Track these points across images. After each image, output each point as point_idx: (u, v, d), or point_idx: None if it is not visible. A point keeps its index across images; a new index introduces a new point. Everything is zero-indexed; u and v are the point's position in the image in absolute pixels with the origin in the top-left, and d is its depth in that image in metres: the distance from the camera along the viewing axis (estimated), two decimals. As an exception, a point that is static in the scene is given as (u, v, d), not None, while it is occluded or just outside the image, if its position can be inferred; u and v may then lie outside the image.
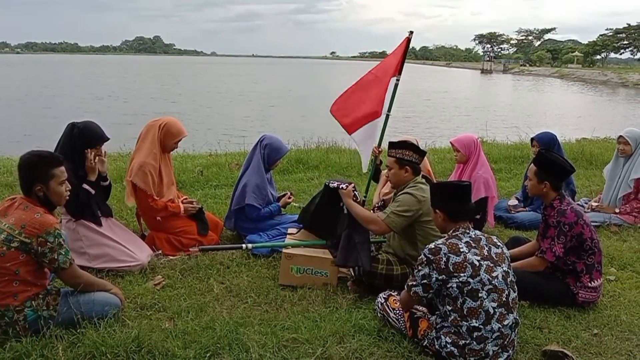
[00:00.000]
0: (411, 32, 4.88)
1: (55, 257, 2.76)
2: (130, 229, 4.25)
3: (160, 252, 4.10)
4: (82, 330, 2.81)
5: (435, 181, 4.00)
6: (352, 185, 3.70)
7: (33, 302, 2.79)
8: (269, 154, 4.46)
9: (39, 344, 2.69)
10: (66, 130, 3.73)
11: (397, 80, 4.82)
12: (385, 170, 3.84)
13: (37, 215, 2.73)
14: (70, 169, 3.58)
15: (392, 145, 3.60)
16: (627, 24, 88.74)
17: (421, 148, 3.60)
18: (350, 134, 4.66)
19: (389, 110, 4.93)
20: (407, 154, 3.50)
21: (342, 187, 3.61)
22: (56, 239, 2.75)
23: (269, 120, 20.83)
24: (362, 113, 4.61)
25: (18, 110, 22.75)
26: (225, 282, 3.69)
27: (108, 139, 3.83)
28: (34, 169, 2.82)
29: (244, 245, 4.01)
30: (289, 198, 4.71)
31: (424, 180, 3.54)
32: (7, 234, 2.67)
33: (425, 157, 4.57)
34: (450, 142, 4.93)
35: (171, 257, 4.04)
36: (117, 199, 5.05)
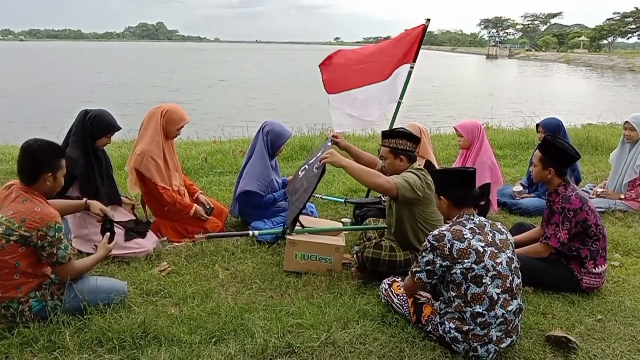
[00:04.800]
0: (428, 20, 4.83)
1: (54, 252, 2.72)
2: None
3: (165, 238, 4.12)
4: (89, 316, 2.84)
5: (438, 167, 3.98)
6: (328, 151, 3.56)
7: (37, 292, 2.78)
8: (272, 140, 4.44)
9: (46, 329, 2.72)
10: (78, 116, 3.73)
11: (412, 67, 4.80)
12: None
13: (37, 209, 2.67)
14: (80, 156, 3.61)
15: (385, 135, 3.56)
16: (635, 7, 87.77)
17: (414, 134, 3.53)
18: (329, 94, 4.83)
19: (401, 97, 4.92)
20: (401, 143, 3.46)
21: (318, 162, 3.43)
22: (56, 233, 2.69)
23: (272, 106, 20.77)
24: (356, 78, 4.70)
25: (15, 98, 22.71)
26: (230, 269, 3.71)
27: (120, 128, 3.84)
28: (46, 158, 2.76)
29: (250, 232, 4.01)
30: None
31: (421, 167, 3.51)
32: (5, 227, 2.62)
33: (429, 144, 4.56)
34: (454, 128, 4.92)
35: (176, 244, 4.06)
36: (122, 186, 5.07)
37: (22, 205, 2.68)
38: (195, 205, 4.27)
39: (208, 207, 4.37)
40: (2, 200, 2.75)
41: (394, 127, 4.90)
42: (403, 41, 4.84)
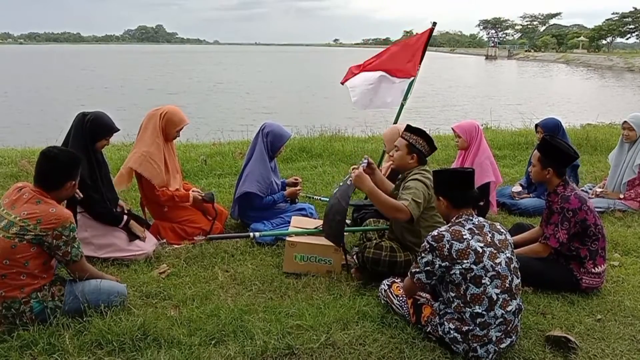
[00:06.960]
0: (434, 24, 4.90)
1: (69, 251, 2.80)
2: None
3: (164, 241, 4.12)
4: (89, 319, 2.84)
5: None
6: (358, 170, 3.51)
7: (39, 293, 2.80)
8: (272, 141, 4.44)
9: (45, 332, 2.73)
10: (76, 119, 3.72)
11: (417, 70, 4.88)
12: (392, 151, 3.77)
13: (53, 210, 2.75)
14: (82, 159, 3.61)
15: (408, 128, 3.59)
16: (634, 7, 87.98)
17: (434, 143, 3.55)
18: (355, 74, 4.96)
19: (405, 99, 4.98)
20: (420, 143, 3.50)
21: (350, 179, 3.45)
22: (71, 233, 2.79)
23: (271, 109, 20.78)
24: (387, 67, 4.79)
25: (14, 101, 22.72)
26: (230, 270, 3.71)
27: (118, 129, 3.84)
28: (72, 167, 2.94)
29: (251, 234, 4.00)
30: (297, 186, 4.72)
31: (428, 169, 3.53)
32: (20, 227, 2.67)
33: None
34: (452, 128, 4.93)
35: (176, 246, 4.06)
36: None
37: (36, 206, 2.75)
38: (191, 192, 4.28)
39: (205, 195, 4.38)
40: (13, 202, 2.80)
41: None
42: (413, 47, 4.93)
